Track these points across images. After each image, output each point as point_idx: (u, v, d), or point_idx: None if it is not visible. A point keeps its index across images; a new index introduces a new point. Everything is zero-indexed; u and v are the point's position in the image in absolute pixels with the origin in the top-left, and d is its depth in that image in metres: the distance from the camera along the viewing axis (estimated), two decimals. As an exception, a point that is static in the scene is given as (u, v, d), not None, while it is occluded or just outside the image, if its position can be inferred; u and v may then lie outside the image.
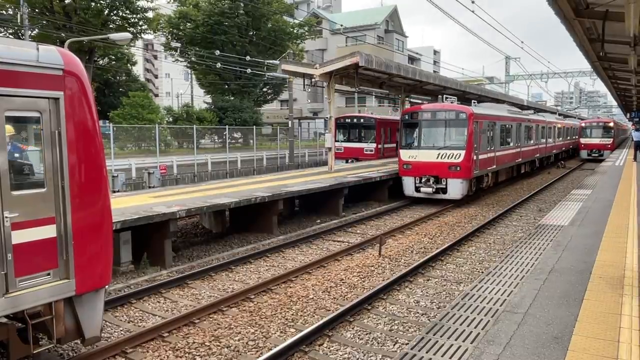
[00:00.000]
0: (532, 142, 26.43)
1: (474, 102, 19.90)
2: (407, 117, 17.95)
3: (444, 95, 19.35)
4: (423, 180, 16.87)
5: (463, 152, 16.26)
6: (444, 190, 16.59)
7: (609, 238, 8.07)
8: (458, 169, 16.27)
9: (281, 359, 5.74)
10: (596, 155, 36.47)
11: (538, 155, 28.61)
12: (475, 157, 16.87)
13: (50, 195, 4.80)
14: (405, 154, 17.34)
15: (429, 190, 16.70)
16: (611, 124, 37.90)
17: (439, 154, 16.58)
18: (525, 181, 24.84)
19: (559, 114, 47.97)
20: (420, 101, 36.73)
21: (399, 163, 17.65)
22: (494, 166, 19.40)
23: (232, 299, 7.69)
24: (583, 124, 39.53)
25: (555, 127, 33.76)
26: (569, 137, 39.71)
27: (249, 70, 36.63)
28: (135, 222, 9.13)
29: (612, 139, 37.36)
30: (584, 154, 37.86)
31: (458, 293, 7.94)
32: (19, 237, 4.54)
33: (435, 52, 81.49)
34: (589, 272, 6.21)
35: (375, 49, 45.65)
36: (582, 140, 38.18)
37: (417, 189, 17.05)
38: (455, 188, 16.41)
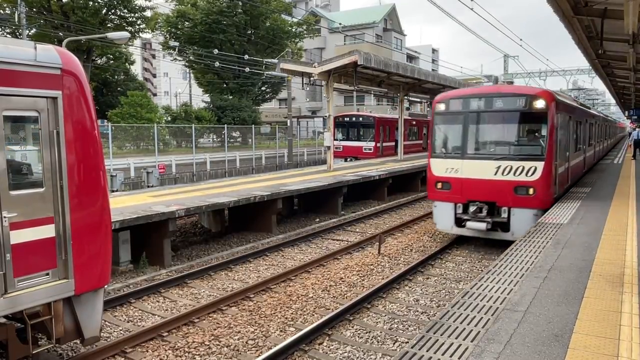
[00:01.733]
0: None
1: None
2: None
3: None
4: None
5: None
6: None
7: (608, 236, 8.06)
8: None
9: (281, 358, 5.74)
10: (481, 226, 10.20)
11: None
12: None
13: (48, 195, 4.78)
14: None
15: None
16: (540, 104, 9.81)
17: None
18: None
19: None
20: (418, 100, 37.01)
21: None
22: None
23: (231, 298, 7.68)
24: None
25: None
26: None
27: (247, 69, 36.61)
28: (134, 222, 9.12)
29: (542, 163, 9.80)
30: (444, 219, 11.02)
31: (458, 291, 7.95)
32: (18, 237, 4.52)
33: (433, 50, 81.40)
34: (589, 270, 6.20)
35: (373, 47, 45.64)
36: (435, 166, 11.07)
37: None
38: None
